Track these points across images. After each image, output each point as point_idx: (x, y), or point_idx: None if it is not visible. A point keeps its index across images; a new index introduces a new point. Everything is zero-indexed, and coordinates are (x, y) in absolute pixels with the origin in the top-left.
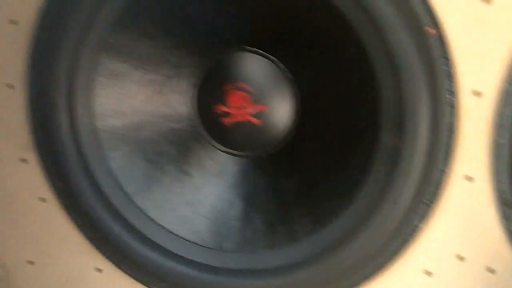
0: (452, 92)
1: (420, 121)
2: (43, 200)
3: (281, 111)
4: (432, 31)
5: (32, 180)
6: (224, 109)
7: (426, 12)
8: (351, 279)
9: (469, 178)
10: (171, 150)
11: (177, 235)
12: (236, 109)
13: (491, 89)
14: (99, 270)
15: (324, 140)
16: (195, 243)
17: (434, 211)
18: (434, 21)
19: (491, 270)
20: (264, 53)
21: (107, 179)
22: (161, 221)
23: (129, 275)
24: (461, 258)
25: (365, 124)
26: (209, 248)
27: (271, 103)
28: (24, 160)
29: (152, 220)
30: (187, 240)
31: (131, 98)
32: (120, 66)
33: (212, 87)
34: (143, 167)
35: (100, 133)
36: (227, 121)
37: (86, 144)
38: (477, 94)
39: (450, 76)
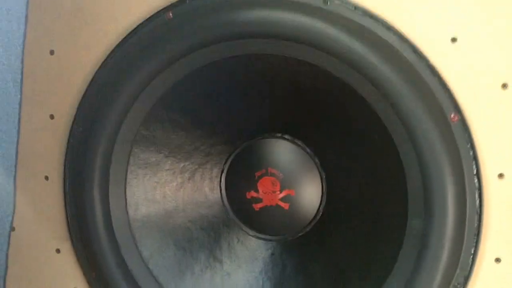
0: (476, 175)
1: (446, 205)
2: None
3: (308, 195)
4: (455, 117)
5: (66, 270)
6: (254, 194)
7: (449, 100)
8: None
9: (498, 260)
10: (201, 237)
11: None
12: (265, 193)
13: None
14: None
15: (351, 223)
16: None
17: None
18: (457, 108)
19: None
20: (292, 138)
21: (139, 268)
22: None
23: None
24: None
25: (392, 208)
26: None
27: (299, 186)
28: (58, 250)
29: None
30: None
31: (163, 186)
32: (152, 156)
33: (241, 173)
34: (174, 255)
35: (132, 222)
36: (256, 205)
37: (118, 233)
38: (501, 176)
39: (474, 160)
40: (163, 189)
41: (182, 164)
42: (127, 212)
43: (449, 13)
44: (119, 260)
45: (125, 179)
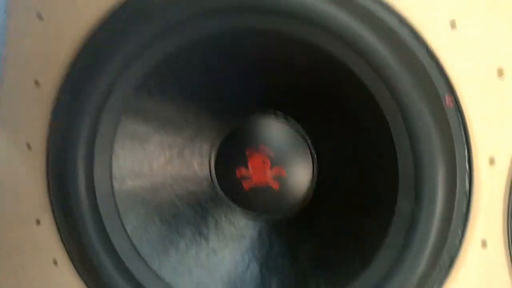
0: (468, 159)
1: (436, 187)
2: (56, 263)
3: (299, 175)
4: (450, 102)
5: (46, 242)
6: (243, 172)
7: (444, 83)
8: None
9: (484, 243)
10: (188, 213)
11: None
12: (255, 172)
13: (506, 156)
14: None
15: (341, 204)
16: None
17: (450, 275)
18: (452, 93)
19: None
20: (285, 117)
21: (122, 242)
22: (176, 286)
23: None
24: None
25: (383, 190)
26: None
27: (290, 166)
28: (38, 222)
29: (167, 284)
30: None
31: (150, 160)
32: (141, 128)
33: (232, 150)
34: (159, 230)
35: (117, 195)
36: (245, 184)
37: (102, 206)
38: (492, 161)
39: (466, 144)
40: (150, 162)
41: (171, 138)
42: (112, 185)
43: None
44: (102, 233)
45: (112, 150)
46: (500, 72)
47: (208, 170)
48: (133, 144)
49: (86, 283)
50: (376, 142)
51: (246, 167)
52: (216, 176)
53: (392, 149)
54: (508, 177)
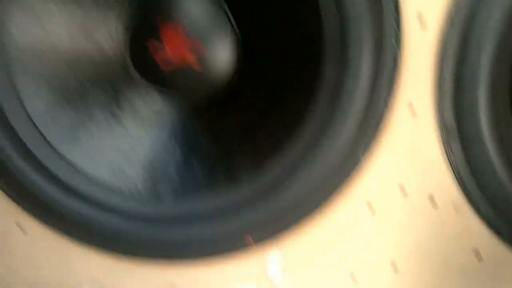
0: (396, 19)
1: (362, 49)
2: None
3: (220, 50)
4: None
5: None
6: (158, 48)
7: None
8: (294, 214)
9: (412, 107)
10: (99, 95)
11: (108, 185)
12: (171, 49)
13: (436, 17)
14: (20, 226)
15: (267, 79)
16: (128, 192)
17: (377, 141)
18: None
19: (432, 200)
20: None
21: (25, 126)
22: (90, 171)
23: (55, 229)
24: (403, 188)
25: (308, 57)
26: (143, 195)
27: (210, 40)
28: None
29: (79, 170)
30: (119, 189)
31: (51, 37)
32: (38, 2)
33: (145, 23)
34: (68, 114)
35: (15, 75)
36: (161, 61)
37: None
38: (422, 22)
39: (394, 2)
40: (51, 38)
41: (73, 10)
42: (8, 64)
43: None
44: (2, 121)
45: (6, 27)
46: None
47: (118, 46)
48: (31, 20)
49: None
50: (300, 6)
51: (161, 42)
52: (127, 54)
53: (317, 12)
54: (438, 39)
